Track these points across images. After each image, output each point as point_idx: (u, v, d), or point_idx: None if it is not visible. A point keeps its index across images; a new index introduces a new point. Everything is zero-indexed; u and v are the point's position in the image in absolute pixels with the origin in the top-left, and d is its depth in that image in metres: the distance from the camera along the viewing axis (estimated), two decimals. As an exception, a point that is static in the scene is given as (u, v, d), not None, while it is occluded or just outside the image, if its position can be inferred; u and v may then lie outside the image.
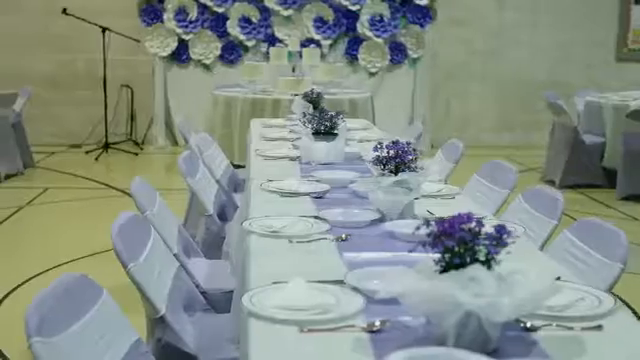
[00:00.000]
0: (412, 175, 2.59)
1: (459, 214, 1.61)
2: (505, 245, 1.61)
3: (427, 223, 1.61)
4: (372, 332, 1.67)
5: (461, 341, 1.55)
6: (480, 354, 1.48)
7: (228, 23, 9.15)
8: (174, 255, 2.84)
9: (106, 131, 8.70)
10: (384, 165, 2.63)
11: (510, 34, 9.81)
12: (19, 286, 4.19)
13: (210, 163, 4.34)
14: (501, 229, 1.60)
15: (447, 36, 9.64)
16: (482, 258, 1.58)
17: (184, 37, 9.10)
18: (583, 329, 1.69)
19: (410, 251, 1.67)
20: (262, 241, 2.38)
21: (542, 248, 2.94)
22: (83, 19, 8.54)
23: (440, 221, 1.60)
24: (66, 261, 4.64)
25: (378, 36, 9.29)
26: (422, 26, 9.39)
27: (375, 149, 2.64)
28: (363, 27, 9.27)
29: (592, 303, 1.83)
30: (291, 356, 1.57)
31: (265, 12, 9.19)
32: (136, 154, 8.71)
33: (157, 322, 2.31)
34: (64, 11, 8.46)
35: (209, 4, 9.09)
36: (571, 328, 1.69)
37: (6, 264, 4.78)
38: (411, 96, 9.52)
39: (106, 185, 7.06)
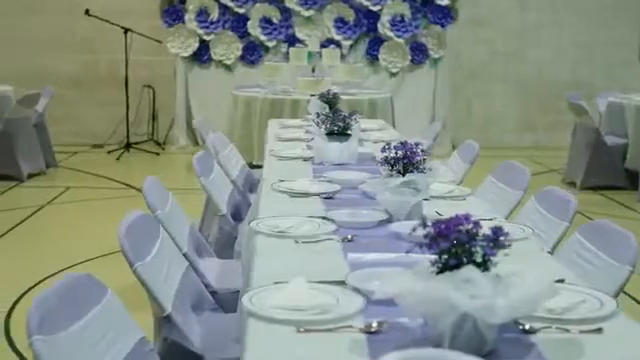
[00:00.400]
0: (420, 176, 2.58)
1: (456, 215, 1.61)
2: (503, 247, 1.60)
3: (424, 224, 1.61)
4: (369, 333, 1.67)
5: (457, 343, 1.54)
6: (475, 356, 1.48)
7: (249, 24, 9.18)
8: (184, 255, 2.85)
9: (128, 131, 8.77)
10: (392, 166, 2.63)
11: (532, 34, 9.74)
12: (36, 285, 4.23)
13: (226, 163, 4.36)
14: (498, 231, 1.59)
15: (468, 36, 9.60)
16: (479, 260, 1.58)
17: (205, 38, 9.14)
18: (582, 332, 1.68)
19: (407, 252, 1.67)
20: (268, 241, 2.39)
21: (553, 250, 2.93)
22: (106, 20, 8.61)
23: (437, 222, 1.60)
24: (83, 260, 4.69)
25: (399, 36, 9.27)
26: (443, 26, 9.35)
27: (383, 150, 2.64)
28: (384, 27, 9.26)
29: (593, 306, 1.81)
30: (286, 356, 1.58)
31: (286, 12, 9.21)
32: (157, 154, 8.77)
33: (163, 321, 2.32)
34: (87, 12, 8.54)
35: (230, 5, 9.13)
36: (570, 331, 1.68)
37: (24, 262, 4.84)
38: (432, 97, 9.49)
39: (126, 185, 7.11)
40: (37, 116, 7.62)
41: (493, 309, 1.50)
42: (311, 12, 9.21)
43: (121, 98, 8.79)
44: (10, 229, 5.55)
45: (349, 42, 9.27)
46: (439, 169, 2.67)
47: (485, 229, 1.60)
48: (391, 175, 2.62)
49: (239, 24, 9.20)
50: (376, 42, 9.34)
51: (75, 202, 6.50)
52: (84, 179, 7.45)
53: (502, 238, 1.59)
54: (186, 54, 9.17)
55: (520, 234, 2.51)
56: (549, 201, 3.13)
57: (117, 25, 8.63)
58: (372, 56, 9.36)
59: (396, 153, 2.63)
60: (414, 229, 1.63)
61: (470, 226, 1.59)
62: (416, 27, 9.29)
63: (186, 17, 9.12)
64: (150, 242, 2.48)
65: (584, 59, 9.81)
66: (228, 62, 9.25)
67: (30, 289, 4.18)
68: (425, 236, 1.60)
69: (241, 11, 9.16)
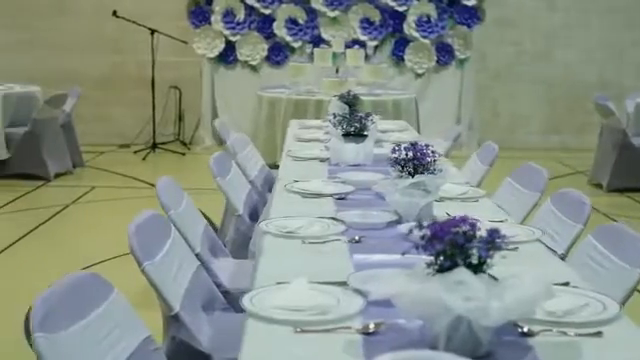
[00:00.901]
0: (430, 177, 2.57)
1: (453, 217, 1.61)
2: (499, 248, 1.60)
3: (420, 225, 1.61)
4: (366, 334, 1.67)
5: (452, 344, 1.54)
6: (470, 358, 1.48)
7: (275, 24, 9.20)
8: (196, 254, 2.87)
9: (154, 131, 8.83)
10: (402, 167, 2.63)
11: (560, 35, 9.65)
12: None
13: (245, 163, 4.38)
14: (494, 233, 1.58)
15: (495, 37, 9.53)
16: (474, 261, 1.57)
17: (231, 38, 9.19)
18: (582, 335, 1.66)
19: (403, 253, 1.67)
20: (276, 241, 2.40)
21: (567, 252, 2.91)
22: (133, 21, 8.69)
23: (433, 224, 1.60)
24: (104, 259, 4.73)
25: (425, 37, 9.24)
26: (469, 27, 9.30)
27: (393, 151, 2.64)
28: (410, 28, 9.23)
29: (596, 309, 1.80)
30: (281, 355, 1.59)
31: (311, 13, 9.22)
32: (183, 154, 8.83)
33: (171, 320, 2.34)
34: (114, 13, 8.63)
35: (256, 6, 9.16)
36: (570, 334, 1.67)
37: (45, 261, 4.90)
38: (458, 98, 9.45)
39: (151, 185, 7.16)
40: (64, 116, 7.70)
41: (487, 311, 1.49)
42: (337, 13, 9.21)
43: (148, 99, 8.86)
44: (34, 228, 5.63)
45: (375, 43, 9.25)
46: (449, 170, 2.66)
47: (482, 231, 1.59)
48: (401, 176, 2.62)
49: (265, 25, 9.23)
50: (402, 43, 9.32)
51: (99, 201, 6.57)
52: (110, 179, 7.52)
53: (498, 240, 1.58)
54: (212, 55, 9.22)
55: (529, 236, 2.49)
56: (564, 203, 3.10)
57: (144, 26, 8.70)
58: (398, 57, 9.33)
59: (406, 154, 2.62)
60: (410, 231, 1.63)
61: (466, 228, 1.58)
62: (442, 28, 9.25)
63: (212, 18, 9.17)
64: (160, 241, 2.50)
65: (613, 59, 9.69)
66: (254, 63, 9.29)
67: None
68: (422, 237, 1.60)
69: (267, 12, 9.19)
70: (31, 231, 5.54)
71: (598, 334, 1.67)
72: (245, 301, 1.82)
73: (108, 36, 9.30)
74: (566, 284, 1.99)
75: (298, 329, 1.67)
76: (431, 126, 8.04)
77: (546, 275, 1.96)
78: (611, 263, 2.48)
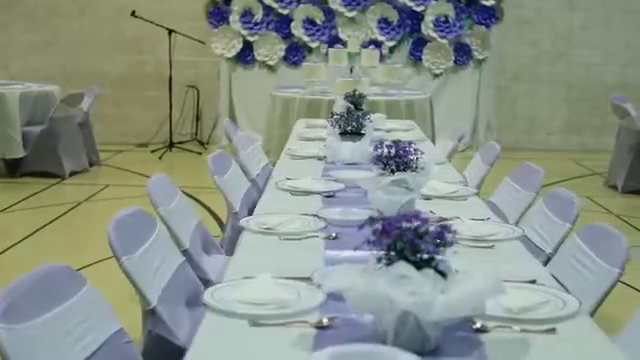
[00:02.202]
0: (411, 175, 2.57)
1: (404, 213, 1.61)
2: (450, 244, 1.60)
3: (371, 220, 1.62)
4: (320, 328, 1.68)
5: (400, 339, 1.55)
6: (414, 353, 1.48)
7: (292, 24, 9.23)
8: (184, 251, 2.90)
9: (170, 131, 8.90)
10: (384, 164, 2.63)
11: (580, 35, 9.56)
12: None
13: (248, 162, 4.40)
14: (444, 229, 1.59)
15: (513, 37, 9.48)
16: (425, 257, 1.57)
17: (249, 38, 9.23)
18: (536, 332, 1.66)
19: (355, 249, 1.68)
20: (253, 237, 2.42)
21: (555, 251, 2.89)
22: (150, 21, 8.77)
23: (383, 219, 1.60)
24: (110, 256, 4.77)
25: (443, 37, 9.21)
26: (488, 27, 9.26)
27: (375, 148, 2.64)
28: (428, 28, 9.21)
29: (556, 306, 1.79)
30: (231, 348, 1.60)
31: (329, 13, 9.23)
32: (200, 153, 8.87)
33: (149, 314, 2.37)
34: (133, 13, 8.71)
35: (274, 6, 9.19)
36: (524, 330, 1.67)
37: (54, 257, 4.95)
38: (476, 98, 9.40)
39: (165, 183, 7.22)
40: (82, 115, 7.79)
41: (431, 306, 1.50)
42: (354, 13, 9.22)
43: (166, 98, 8.94)
44: (46, 224, 5.70)
45: (392, 43, 9.24)
46: (432, 169, 2.65)
47: (433, 227, 1.60)
48: (383, 174, 2.62)
49: (282, 25, 9.26)
50: (419, 43, 9.30)
51: (112, 199, 6.63)
52: (124, 177, 7.59)
53: (449, 236, 1.59)
54: (230, 55, 9.26)
55: (508, 235, 2.49)
56: (555, 203, 3.09)
57: (161, 26, 8.78)
58: (415, 57, 9.31)
59: (389, 152, 2.63)
60: (362, 226, 1.64)
61: (417, 224, 1.59)
62: (460, 28, 9.21)
63: (230, 18, 9.21)
64: (143, 237, 2.52)
65: (634, 60, 9.58)
66: (271, 63, 9.32)
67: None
68: (373, 232, 1.61)
69: (285, 12, 9.22)
70: (42, 227, 5.62)
71: (551, 331, 1.66)
72: (206, 294, 1.84)
73: (127, 36, 9.40)
74: (533, 282, 1.99)
75: (253, 323, 1.69)
76: (448, 126, 8.00)
77: (514, 273, 1.97)
78: (593, 263, 2.47)
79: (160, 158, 8.59)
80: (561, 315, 1.72)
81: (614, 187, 7.27)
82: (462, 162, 4.95)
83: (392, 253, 1.58)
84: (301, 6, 9.21)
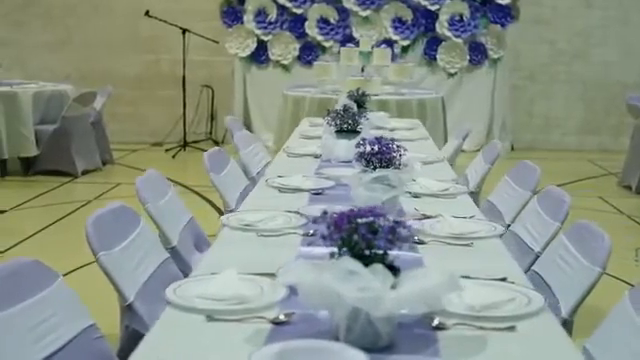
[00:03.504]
0: (392, 172, 2.55)
1: (355, 208, 1.59)
2: (406, 240, 1.58)
3: (325, 214, 1.60)
4: (276, 324, 1.67)
5: (352, 335, 1.53)
6: (366, 349, 1.46)
7: (306, 24, 9.22)
8: (172, 248, 2.91)
9: (184, 130, 8.94)
10: (367, 161, 2.61)
11: (597, 33, 9.45)
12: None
13: (248, 160, 4.40)
14: (398, 225, 1.56)
15: (529, 36, 9.39)
16: (379, 252, 1.56)
17: (263, 38, 9.23)
18: (495, 329, 1.63)
19: (308, 244, 1.67)
20: (231, 234, 2.42)
21: (543, 250, 2.85)
22: (164, 21, 8.80)
23: (338, 214, 1.59)
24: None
25: (458, 36, 9.16)
26: (503, 26, 9.18)
27: (358, 145, 2.62)
28: (442, 27, 9.16)
29: (520, 304, 1.76)
30: (183, 342, 1.59)
31: (343, 13, 9.22)
32: (213, 153, 8.89)
33: (126, 310, 2.37)
34: (147, 13, 8.75)
35: (288, 5, 9.19)
36: (483, 328, 1.64)
37: (59, 253, 4.99)
38: (491, 97, 9.33)
39: (175, 182, 7.24)
40: (94, 114, 7.84)
41: (379, 302, 1.48)
42: (368, 12, 9.19)
43: (180, 97, 8.97)
44: (55, 221, 5.75)
45: (406, 42, 9.20)
46: (414, 166, 2.63)
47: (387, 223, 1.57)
48: (366, 170, 2.60)
49: (297, 24, 9.25)
50: (434, 42, 9.25)
51: (122, 198, 6.56)
52: (136, 176, 7.57)
53: (403, 232, 1.56)
54: (244, 54, 9.28)
55: (489, 233, 2.46)
56: (546, 201, 3.05)
57: (175, 25, 8.81)
58: (430, 56, 9.27)
59: (371, 149, 2.61)
60: (314, 220, 1.62)
61: (371, 219, 1.57)
62: (475, 27, 9.15)
63: (245, 18, 9.23)
64: (124, 232, 2.53)
65: (653, 59, 9.47)
66: (285, 62, 9.32)
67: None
68: (327, 227, 1.59)
69: (299, 11, 9.21)
70: (50, 225, 5.66)
71: (511, 328, 1.64)
72: (168, 290, 1.83)
73: (142, 36, 9.45)
74: (503, 279, 1.96)
75: (210, 317, 1.68)
76: (463, 126, 7.93)
77: (487, 270, 1.95)
78: (576, 261, 2.43)
79: (174, 157, 8.62)
80: (522, 313, 1.69)
81: (628, 187, 7.17)
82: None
83: (344, 249, 1.56)
84: (315, 5, 9.20)
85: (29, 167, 7.40)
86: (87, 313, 2.11)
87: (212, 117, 9.62)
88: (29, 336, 1.89)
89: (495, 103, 9.33)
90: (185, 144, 8.91)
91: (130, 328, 2.36)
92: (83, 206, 6.27)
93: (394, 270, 1.53)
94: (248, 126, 9.35)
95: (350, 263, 1.48)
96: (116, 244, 2.43)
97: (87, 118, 7.67)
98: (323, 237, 1.59)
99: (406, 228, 1.57)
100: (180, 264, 2.89)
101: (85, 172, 7.48)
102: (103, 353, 2.15)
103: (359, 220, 1.55)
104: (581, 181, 7.56)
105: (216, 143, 9.40)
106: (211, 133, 9.58)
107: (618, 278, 4.33)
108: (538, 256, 2.83)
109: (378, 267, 1.50)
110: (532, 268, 2.69)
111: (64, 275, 4.45)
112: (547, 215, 2.98)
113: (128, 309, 2.36)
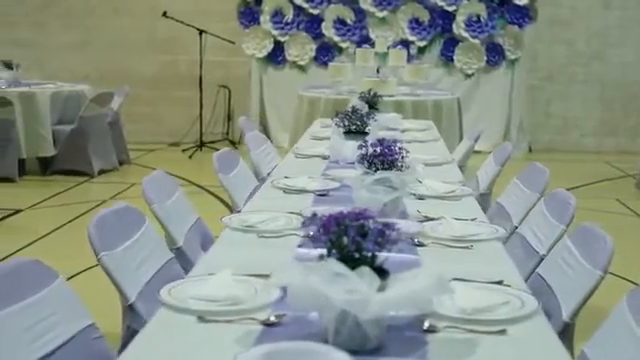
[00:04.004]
0: (394, 174, 2.55)
1: (344, 211, 1.60)
2: (394, 243, 1.58)
3: (314, 215, 1.60)
4: (267, 325, 1.68)
5: (340, 338, 1.54)
6: (354, 352, 1.47)
7: (323, 25, 9.23)
8: (177, 248, 2.92)
9: (201, 130, 8.98)
10: (370, 163, 2.62)
11: (615, 34, 9.37)
12: (73, 276, 4.39)
13: (259, 161, 4.41)
14: (387, 227, 1.57)
15: (547, 36, 9.34)
16: (368, 254, 1.56)
17: (280, 39, 9.26)
18: (486, 333, 1.63)
19: (299, 246, 1.67)
20: (232, 235, 2.43)
21: (548, 252, 2.84)
22: (182, 22, 8.85)
23: (327, 216, 1.59)
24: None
25: (474, 37, 9.12)
26: (521, 26, 9.14)
27: (360, 147, 2.63)
28: (459, 28, 9.13)
29: (513, 307, 1.76)
30: (174, 342, 1.60)
31: (360, 13, 9.22)
32: (230, 153, 8.92)
33: (127, 310, 2.39)
34: (164, 14, 8.80)
35: (305, 6, 9.21)
36: (474, 331, 1.64)
37: (70, 253, 5.03)
38: (508, 98, 9.29)
39: (191, 182, 7.29)
40: (112, 115, 7.89)
41: (366, 304, 1.48)
42: (385, 13, 9.19)
43: (197, 98, 9.02)
44: (69, 221, 5.80)
45: (423, 43, 9.18)
46: (417, 168, 2.63)
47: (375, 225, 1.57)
48: (368, 172, 2.60)
49: (313, 25, 9.27)
50: (451, 43, 9.22)
51: (137, 197, 6.65)
52: (152, 176, 7.64)
53: (391, 234, 1.57)
54: (261, 55, 9.30)
55: (491, 235, 2.45)
56: (553, 203, 3.03)
57: (192, 26, 8.85)
58: (447, 57, 9.24)
59: (374, 150, 2.61)
60: (304, 223, 1.63)
61: (360, 222, 1.57)
62: (492, 27, 9.11)
63: (261, 18, 9.25)
64: (127, 233, 2.54)
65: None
66: (302, 63, 9.34)
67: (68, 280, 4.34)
68: (318, 229, 1.60)
69: (315, 12, 9.22)
70: (65, 224, 5.71)
71: (502, 332, 1.63)
72: (162, 290, 1.84)
73: (159, 36, 9.50)
74: (499, 282, 1.95)
75: (201, 318, 1.69)
76: (477, 127, 7.91)
77: (485, 273, 1.94)
78: (578, 264, 2.42)
79: (190, 157, 8.66)
80: (513, 317, 1.69)
81: (645, 189, 7.12)
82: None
83: (333, 251, 1.56)
84: (332, 6, 9.21)
85: (47, 167, 7.46)
86: (86, 313, 2.12)
87: (229, 117, 9.65)
88: (26, 335, 1.90)
89: (512, 104, 9.28)
90: (202, 144, 8.95)
91: (131, 328, 2.37)
92: (98, 206, 6.31)
93: (383, 273, 1.53)
94: (264, 126, 9.38)
95: (336, 266, 1.48)
96: (119, 244, 2.44)
97: (104, 118, 7.72)
98: (313, 239, 1.60)
99: (395, 231, 1.56)
100: (186, 264, 2.91)
101: (102, 172, 7.54)
102: (102, 353, 2.17)
103: (348, 222, 1.55)
104: (598, 183, 7.51)
105: (232, 143, 9.43)
106: (228, 133, 9.61)
107: (632, 281, 4.29)
108: (543, 259, 2.82)
109: (365, 270, 1.50)
110: (536, 271, 2.68)
111: (77, 274, 4.50)
112: (553, 217, 2.96)
113: (129, 309, 2.38)
